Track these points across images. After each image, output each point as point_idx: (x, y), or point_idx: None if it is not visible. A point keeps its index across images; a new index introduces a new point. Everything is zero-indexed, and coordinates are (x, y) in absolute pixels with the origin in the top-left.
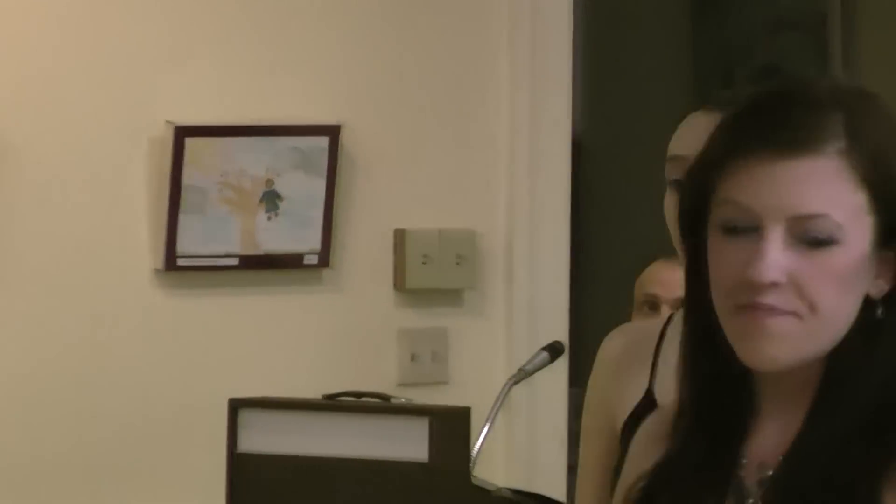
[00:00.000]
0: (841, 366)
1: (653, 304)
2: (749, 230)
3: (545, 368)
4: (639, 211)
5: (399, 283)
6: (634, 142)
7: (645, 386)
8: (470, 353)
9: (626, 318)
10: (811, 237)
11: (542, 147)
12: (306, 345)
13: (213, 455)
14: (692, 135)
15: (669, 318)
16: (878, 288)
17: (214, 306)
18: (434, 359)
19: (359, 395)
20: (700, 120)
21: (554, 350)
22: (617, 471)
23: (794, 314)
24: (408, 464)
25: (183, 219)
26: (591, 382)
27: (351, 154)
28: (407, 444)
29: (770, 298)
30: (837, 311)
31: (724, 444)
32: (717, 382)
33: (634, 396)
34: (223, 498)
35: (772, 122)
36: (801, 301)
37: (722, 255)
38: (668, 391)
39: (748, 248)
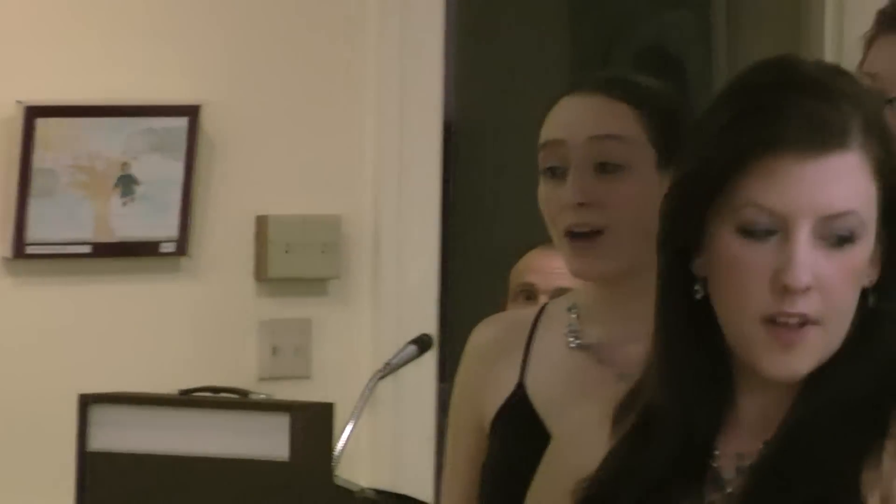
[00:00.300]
0: (832, 357)
1: (529, 294)
2: (771, 232)
3: (413, 363)
4: (514, 197)
5: (260, 273)
6: (509, 124)
7: (516, 379)
8: (334, 346)
9: (500, 309)
10: (838, 235)
11: (412, 129)
12: (162, 337)
13: (62, 453)
14: (565, 119)
15: (543, 308)
16: (870, 277)
17: (66, 296)
18: (296, 352)
19: (217, 390)
20: (573, 103)
21: (422, 343)
22: (486, 468)
23: (818, 322)
24: (268, 462)
25: (33, 204)
26: (458, 376)
27: (211, 136)
28: (267, 441)
29: (800, 305)
30: (851, 308)
31: (698, 437)
32: (692, 375)
33: (504, 390)
34: (72, 498)
35: (794, 120)
36: (824, 305)
37: (743, 260)
38: (540, 384)
39: (773, 252)
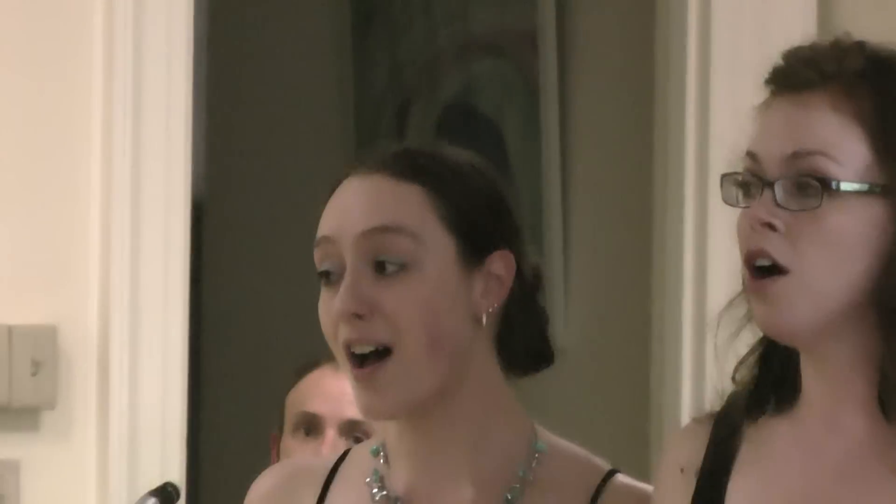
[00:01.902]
0: None
1: (311, 427)
2: None
3: None
4: (286, 297)
5: None
6: (277, 208)
7: None
8: (50, 496)
9: (267, 450)
10: None
11: (149, 214)
12: None
13: None
14: (337, 209)
15: (346, 454)
16: None
17: None
18: None
19: None
20: (350, 187)
21: (165, 495)
22: None
23: None
24: None
25: None
26: None
27: None
28: None
29: None
30: None
31: None
32: None
33: None
34: None
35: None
36: None
37: None
38: None
39: None
